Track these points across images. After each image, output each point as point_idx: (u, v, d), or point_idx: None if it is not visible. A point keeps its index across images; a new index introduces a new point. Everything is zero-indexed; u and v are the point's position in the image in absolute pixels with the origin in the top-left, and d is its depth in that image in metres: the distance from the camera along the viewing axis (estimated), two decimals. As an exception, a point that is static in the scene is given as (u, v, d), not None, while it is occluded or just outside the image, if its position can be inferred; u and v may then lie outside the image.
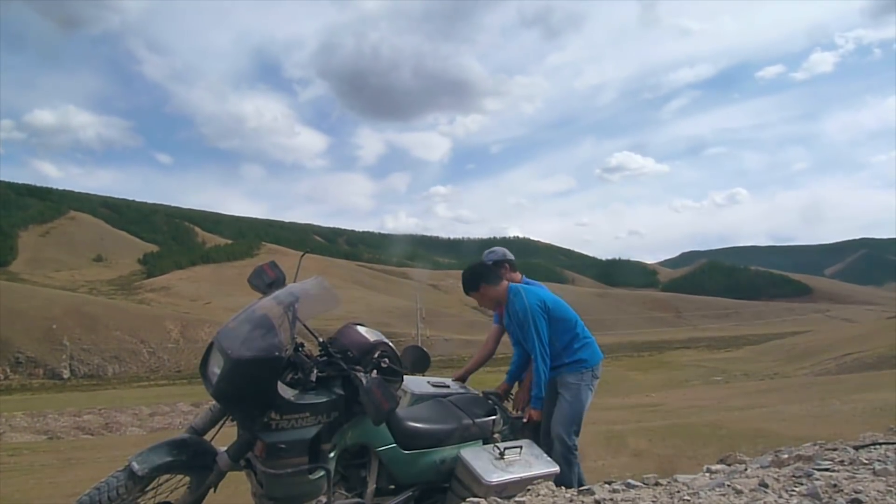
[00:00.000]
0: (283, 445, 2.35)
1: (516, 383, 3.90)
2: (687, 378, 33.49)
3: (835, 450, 3.27)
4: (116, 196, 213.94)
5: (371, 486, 2.74)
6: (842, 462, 2.89)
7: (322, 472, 2.46)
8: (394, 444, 2.76)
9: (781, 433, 7.43)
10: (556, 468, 3.07)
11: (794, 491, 2.38)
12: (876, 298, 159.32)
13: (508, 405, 3.70)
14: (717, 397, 17.74)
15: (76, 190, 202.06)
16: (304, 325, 2.66)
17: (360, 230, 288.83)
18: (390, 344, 2.85)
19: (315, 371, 2.52)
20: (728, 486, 2.50)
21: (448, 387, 3.59)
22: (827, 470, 2.70)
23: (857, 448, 3.24)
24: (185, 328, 63.47)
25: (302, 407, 2.42)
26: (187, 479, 2.49)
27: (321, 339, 2.72)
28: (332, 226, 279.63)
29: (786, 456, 3.38)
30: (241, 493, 2.82)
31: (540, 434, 3.57)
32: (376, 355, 2.74)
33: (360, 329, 2.87)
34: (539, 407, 3.52)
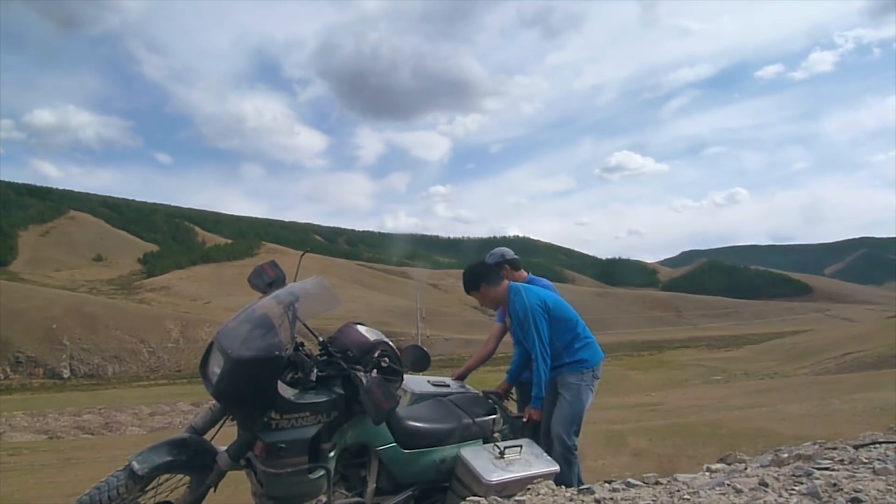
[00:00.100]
0: (283, 445, 2.35)
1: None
2: (687, 377, 33.49)
3: (835, 449, 3.27)
4: (116, 196, 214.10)
5: (371, 486, 2.74)
6: (842, 461, 2.89)
7: (322, 472, 2.46)
8: (394, 444, 2.76)
9: (781, 432, 7.44)
10: (556, 467, 3.07)
11: (794, 490, 2.38)
12: (876, 298, 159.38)
13: (509, 404, 3.70)
14: (717, 397, 17.75)
15: (76, 190, 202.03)
16: (305, 325, 2.66)
17: (360, 230, 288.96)
18: (390, 343, 2.85)
19: (315, 370, 2.52)
20: (728, 485, 2.50)
21: (448, 386, 3.59)
22: (827, 469, 2.70)
23: (856, 447, 3.24)
24: (185, 328, 63.46)
25: (302, 406, 2.42)
26: (187, 478, 2.49)
27: (321, 339, 2.72)
28: (332, 225, 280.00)
29: (786, 455, 3.38)
30: (241, 492, 2.82)
31: (540, 433, 3.57)
32: (376, 355, 2.74)
33: (361, 328, 2.87)
34: (539, 407, 3.51)
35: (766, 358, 42.48)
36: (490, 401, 3.38)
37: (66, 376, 51.92)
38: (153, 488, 2.40)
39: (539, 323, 3.51)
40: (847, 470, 2.66)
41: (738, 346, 59.25)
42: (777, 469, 2.86)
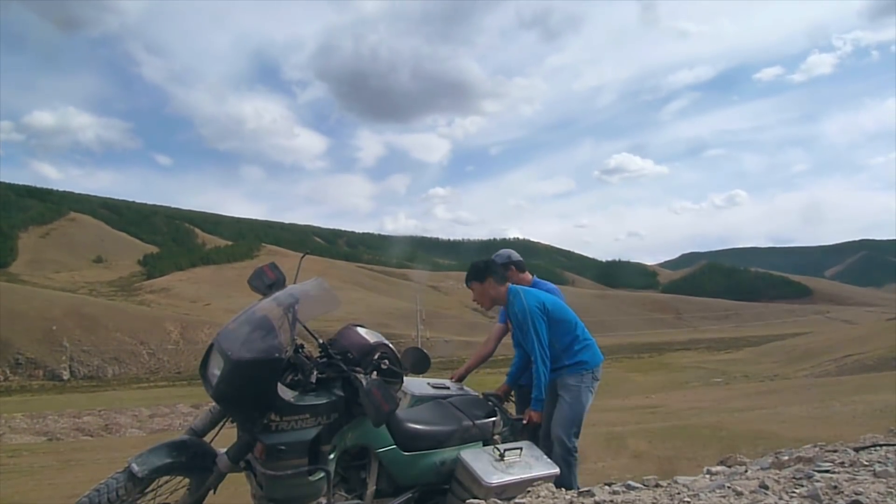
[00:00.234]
0: (282, 447, 2.35)
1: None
2: (687, 380, 33.45)
3: (835, 451, 3.27)
4: (116, 197, 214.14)
5: (371, 488, 2.74)
6: (842, 464, 2.89)
7: (322, 474, 2.46)
8: (394, 446, 2.76)
9: (781, 435, 7.43)
10: (556, 470, 3.07)
11: (794, 493, 2.38)
12: (876, 300, 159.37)
13: (509, 407, 3.70)
14: (717, 399, 17.74)
15: (76, 191, 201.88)
16: (304, 327, 2.66)
17: (360, 231, 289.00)
18: (390, 345, 2.85)
19: (315, 372, 2.53)
20: (728, 487, 2.49)
21: (448, 388, 3.59)
22: (827, 471, 2.70)
23: (857, 450, 3.23)
24: (185, 329, 63.46)
25: (302, 408, 2.42)
26: (187, 480, 2.49)
27: (321, 341, 2.72)
28: (331, 227, 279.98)
29: (786, 457, 3.37)
30: (241, 494, 2.82)
31: (539, 436, 3.57)
32: (376, 357, 2.74)
33: (360, 330, 2.87)
34: (539, 409, 3.51)
35: (766, 360, 42.44)
36: (490, 403, 3.38)
37: (65, 378, 51.89)
38: (153, 490, 2.40)
39: (538, 325, 3.51)
40: (847, 472, 2.66)
41: (738, 348, 59.21)
42: (777, 471, 2.85)
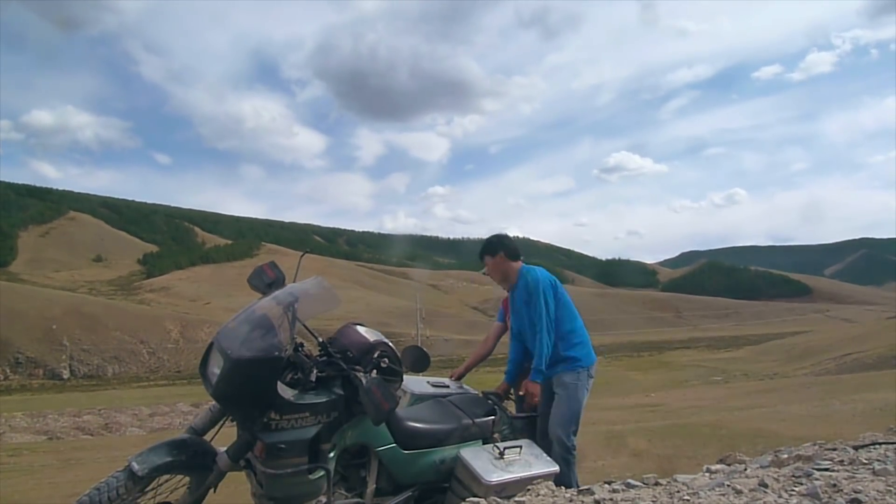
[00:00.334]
0: (282, 445, 2.35)
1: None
2: (687, 378, 33.47)
3: (834, 450, 3.27)
4: (116, 196, 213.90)
5: (371, 486, 2.74)
6: (841, 462, 2.89)
7: (322, 472, 2.46)
8: (393, 444, 2.77)
9: (781, 433, 7.43)
10: (555, 468, 3.07)
11: (793, 491, 2.38)
12: (876, 298, 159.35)
13: (508, 405, 3.70)
14: (717, 397, 17.75)
15: (76, 190, 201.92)
16: (304, 325, 2.66)
17: (360, 230, 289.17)
18: (390, 344, 2.85)
19: (315, 371, 2.53)
20: (728, 486, 2.50)
21: (448, 387, 3.59)
22: (827, 470, 2.70)
23: (856, 448, 3.24)
24: (185, 328, 63.49)
25: (302, 407, 2.42)
26: (187, 479, 2.49)
27: (321, 339, 2.72)
28: (331, 226, 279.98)
29: (785, 456, 3.38)
30: (241, 493, 2.82)
31: (537, 434, 3.57)
32: (376, 355, 2.74)
33: (360, 329, 2.87)
34: (539, 381, 3.52)
35: (765, 358, 42.48)
36: (490, 401, 3.38)
37: (65, 377, 51.93)
38: (153, 489, 2.40)
39: (548, 296, 3.59)
40: (847, 471, 2.66)
41: (738, 347, 59.22)
42: (777, 470, 2.86)
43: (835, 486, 2.38)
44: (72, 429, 20.01)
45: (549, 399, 3.61)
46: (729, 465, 3.58)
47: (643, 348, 67.39)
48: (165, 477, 2.41)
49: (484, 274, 3.95)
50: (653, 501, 2.43)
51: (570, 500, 2.56)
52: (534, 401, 3.55)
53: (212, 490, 2.51)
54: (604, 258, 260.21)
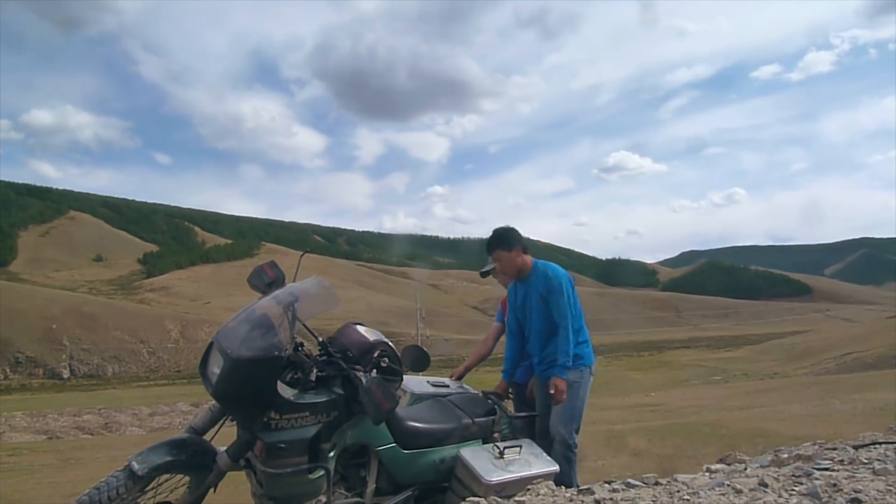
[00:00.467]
0: (282, 445, 2.35)
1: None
2: (687, 378, 33.52)
3: (834, 449, 3.27)
4: (116, 196, 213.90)
5: (371, 486, 2.74)
6: (841, 461, 2.89)
7: (322, 472, 2.46)
8: (393, 444, 2.76)
9: (781, 433, 7.44)
10: (555, 467, 3.07)
11: (793, 490, 2.38)
12: (876, 298, 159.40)
13: (508, 404, 3.70)
14: (717, 397, 17.76)
15: (75, 190, 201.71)
16: (304, 325, 2.66)
17: (360, 230, 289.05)
18: (390, 343, 2.84)
19: (315, 370, 2.52)
20: (728, 485, 2.50)
21: (448, 386, 3.58)
22: (827, 469, 2.70)
23: (856, 447, 3.24)
24: (185, 328, 63.51)
25: (302, 406, 2.42)
26: (187, 478, 2.48)
27: (321, 339, 2.71)
28: (331, 225, 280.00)
29: (785, 455, 3.38)
30: (241, 492, 2.81)
31: (536, 433, 3.57)
32: (376, 355, 2.74)
33: (360, 329, 2.87)
34: (564, 376, 3.40)
35: (765, 358, 42.52)
36: (489, 401, 3.38)
37: (65, 376, 51.96)
38: (153, 488, 2.40)
39: (571, 292, 3.51)
40: (847, 470, 2.66)
41: (738, 347, 59.27)
42: (777, 469, 2.86)
43: (835, 485, 2.38)
44: (72, 428, 20.03)
45: (548, 397, 3.60)
46: (729, 464, 3.58)
47: (643, 348, 67.40)
48: (165, 476, 2.41)
49: (486, 273, 3.85)
50: (653, 501, 2.42)
51: (570, 500, 2.56)
52: (562, 397, 3.41)
53: (212, 490, 2.51)
54: (604, 258, 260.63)
